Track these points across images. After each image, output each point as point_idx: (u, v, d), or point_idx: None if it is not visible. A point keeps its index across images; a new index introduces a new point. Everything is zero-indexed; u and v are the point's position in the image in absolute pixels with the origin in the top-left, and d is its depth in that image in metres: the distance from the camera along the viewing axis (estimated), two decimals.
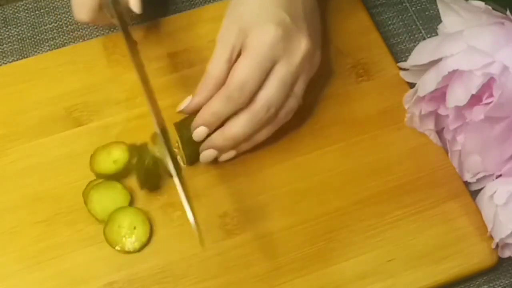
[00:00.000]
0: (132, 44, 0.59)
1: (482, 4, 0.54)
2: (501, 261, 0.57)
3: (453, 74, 0.54)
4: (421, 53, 0.57)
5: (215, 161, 0.60)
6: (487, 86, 0.53)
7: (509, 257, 0.57)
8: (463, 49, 0.54)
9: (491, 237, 0.56)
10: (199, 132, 0.57)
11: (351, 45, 0.66)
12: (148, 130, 0.61)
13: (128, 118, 0.62)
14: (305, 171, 0.60)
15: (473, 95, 0.52)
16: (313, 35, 0.58)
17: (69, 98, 0.63)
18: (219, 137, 0.57)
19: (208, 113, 0.56)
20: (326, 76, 0.64)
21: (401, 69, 0.62)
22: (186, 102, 0.58)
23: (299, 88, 0.58)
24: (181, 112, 0.58)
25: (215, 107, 0.56)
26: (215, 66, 0.57)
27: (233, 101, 0.56)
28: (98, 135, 0.62)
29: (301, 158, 0.61)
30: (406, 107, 0.61)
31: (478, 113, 0.54)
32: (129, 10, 0.61)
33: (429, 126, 0.60)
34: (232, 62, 0.57)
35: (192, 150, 0.59)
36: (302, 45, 0.57)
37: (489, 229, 0.56)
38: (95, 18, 0.61)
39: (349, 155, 0.61)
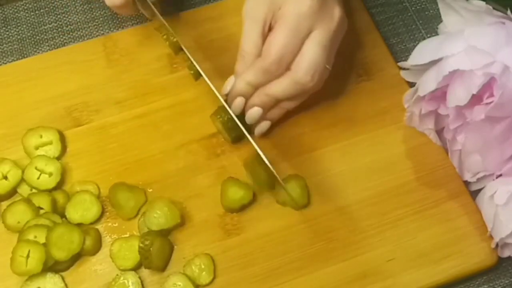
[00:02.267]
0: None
1: (483, 4, 0.54)
2: (501, 261, 0.57)
3: (454, 73, 0.54)
4: (422, 53, 0.57)
5: (216, 160, 0.60)
6: (488, 86, 0.53)
7: (509, 257, 0.57)
8: (464, 49, 0.54)
9: (491, 237, 0.56)
10: (237, 103, 0.57)
11: (351, 44, 0.66)
12: (147, 129, 0.62)
13: (128, 118, 0.62)
14: (305, 171, 0.60)
15: (473, 95, 0.52)
16: (342, 2, 0.58)
17: (69, 98, 0.63)
18: (260, 93, 0.57)
19: (244, 83, 0.56)
20: None
21: (401, 68, 0.62)
22: (230, 84, 0.58)
23: (332, 55, 0.58)
24: (227, 94, 0.58)
25: (251, 78, 0.56)
26: (249, 42, 0.56)
27: (270, 73, 0.55)
28: (97, 134, 0.62)
29: (300, 158, 0.60)
30: (405, 106, 0.61)
31: (478, 113, 0.54)
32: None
33: (429, 126, 0.60)
34: (265, 35, 0.56)
35: (235, 130, 0.59)
36: (336, 12, 0.56)
37: (489, 229, 0.56)
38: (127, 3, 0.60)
39: (348, 154, 0.61)
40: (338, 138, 0.61)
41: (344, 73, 0.64)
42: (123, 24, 0.69)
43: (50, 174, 0.58)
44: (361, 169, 0.60)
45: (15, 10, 0.69)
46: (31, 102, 0.63)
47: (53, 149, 0.60)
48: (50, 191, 0.58)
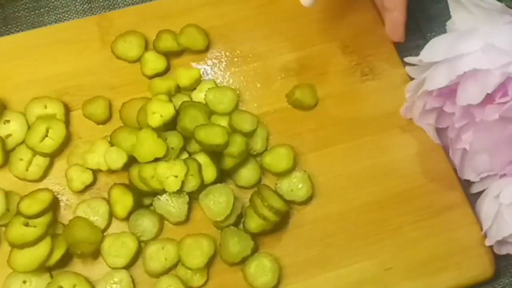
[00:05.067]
0: None
1: (498, 3, 0.52)
2: (501, 260, 0.57)
3: (466, 71, 0.52)
4: (435, 50, 0.55)
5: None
6: (501, 85, 0.51)
7: (510, 257, 0.57)
8: (481, 47, 0.52)
9: (485, 236, 0.56)
10: None
11: (358, 41, 0.64)
12: None
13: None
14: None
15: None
16: None
17: (61, 80, 0.60)
18: None
19: None
20: (330, 73, 0.62)
21: (407, 64, 0.60)
22: None
23: None
24: None
25: None
26: None
27: None
28: (88, 122, 0.59)
29: (299, 159, 0.58)
30: (407, 96, 0.59)
31: (491, 113, 0.53)
32: None
33: (429, 121, 0.59)
34: None
35: None
36: None
37: (484, 227, 0.55)
38: None
39: (350, 157, 0.59)
40: (340, 139, 0.60)
41: (348, 70, 0.62)
42: None
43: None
44: (363, 173, 0.58)
45: (15, 10, 0.67)
46: (18, 83, 0.60)
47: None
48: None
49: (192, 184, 0.54)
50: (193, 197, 0.55)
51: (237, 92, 0.60)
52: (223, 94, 0.59)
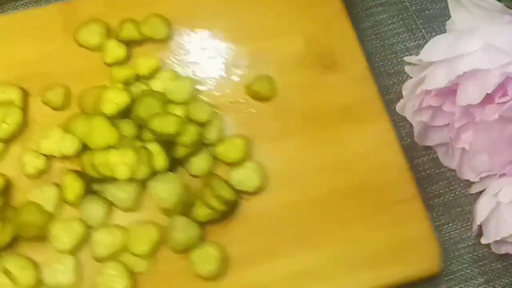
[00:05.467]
0: None
1: (497, 3, 0.52)
2: (501, 260, 0.57)
3: (466, 71, 0.52)
4: (435, 50, 0.55)
5: None
6: (501, 85, 0.51)
7: (509, 257, 0.57)
8: (481, 47, 0.52)
9: (479, 232, 0.56)
10: None
11: (321, 33, 0.63)
12: None
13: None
14: (258, 161, 0.58)
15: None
16: None
17: (22, 67, 0.61)
18: None
19: None
20: (290, 64, 0.62)
21: (407, 63, 0.60)
22: None
23: None
24: None
25: None
26: None
27: None
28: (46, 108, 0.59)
29: (254, 150, 0.58)
30: (403, 93, 0.59)
31: (491, 113, 0.53)
32: None
33: (423, 118, 0.58)
34: None
35: None
36: None
37: (477, 223, 0.55)
38: None
39: (305, 149, 0.58)
40: (296, 131, 0.59)
41: (309, 62, 0.62)
42: None
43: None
44: (317, 165, 0.58)
45: (15, 10, 0.68)
46: None
47: None
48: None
49: (143, 172, 0.55)
50: (143, 184, 0.56)
51: (196, 82, 0.61)
52: (181, 84, 0.60)
